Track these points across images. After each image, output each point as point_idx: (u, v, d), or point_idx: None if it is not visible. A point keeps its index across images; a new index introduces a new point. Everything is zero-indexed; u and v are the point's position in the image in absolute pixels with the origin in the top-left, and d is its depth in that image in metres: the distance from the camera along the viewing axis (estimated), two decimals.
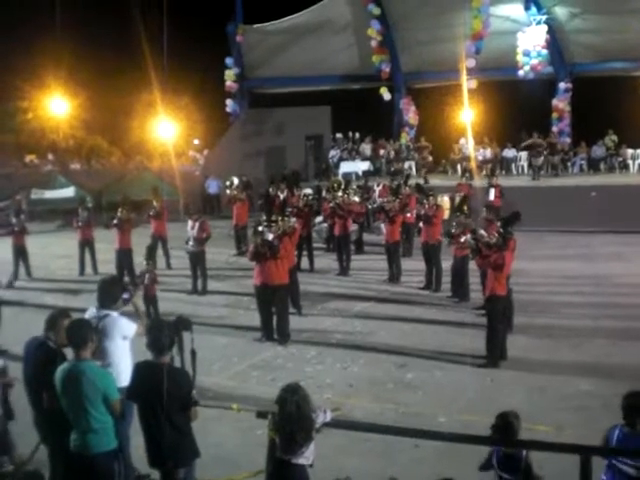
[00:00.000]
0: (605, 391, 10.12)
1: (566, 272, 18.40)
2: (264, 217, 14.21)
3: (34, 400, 6.93)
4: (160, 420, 6.13)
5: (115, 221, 18.15)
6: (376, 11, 34.45)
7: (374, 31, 34.51)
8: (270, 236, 13.18)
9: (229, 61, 37.30)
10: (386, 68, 35.03)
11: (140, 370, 6.40)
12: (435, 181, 28.91)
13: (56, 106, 40.76)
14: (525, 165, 31.91)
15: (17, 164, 39.06)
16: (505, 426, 6.19)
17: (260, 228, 13.38)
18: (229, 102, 37.77)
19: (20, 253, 19.46)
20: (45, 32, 37.21)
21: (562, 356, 11.86)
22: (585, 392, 10.20)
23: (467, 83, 30.65)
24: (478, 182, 27.28)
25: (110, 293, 7.65)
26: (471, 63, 30.15)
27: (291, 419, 5.72)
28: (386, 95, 35.05)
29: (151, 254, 16.89)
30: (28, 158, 40.96)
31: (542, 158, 29.68)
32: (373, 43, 34.74)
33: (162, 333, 6.29)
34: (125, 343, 7.58)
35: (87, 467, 6.28)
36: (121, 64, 39.60)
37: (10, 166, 38.01)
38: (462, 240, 13.88)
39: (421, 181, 26.45)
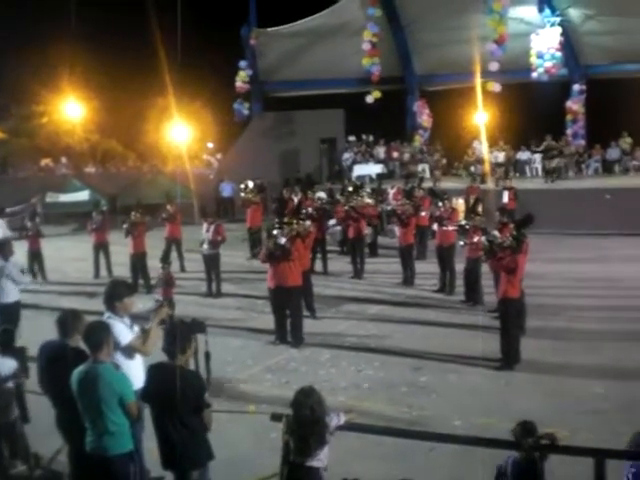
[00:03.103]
0: (619, 394, 10.12)
1: (580, 275, 18.33)
2: (276, 220, 14.27)
3: (60, 403, 6.94)
4: (173, 422, 6.15)
5: (125, 225, 18.22)
6: (378, 13, 34.46)
7: (370, 33, 34.42)
8: (282, 239, 13.23)
9: (242, 64, 37.29)
10: (376, 71, 34.84)
11: (153, 372, 6.43)
12: (448, 184, 28.80)
13: (71, 110, 40.94)
14: (539, 167, 31.88)
15: (32, 168, 39.28)
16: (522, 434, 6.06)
17: (275, 232, 13.43)
18: (237, 102, 37.67)
19: (35, 256, 19.61)
20: (60, 37, 37.31)
21: (576, 359, 11.81)
22: (599, 395, 10.16)
23: (494, 87, 30.49)
24: (491, 185, 27.24)
25: (110, 295, 7.55)
26: (494, 66, 29.98)
27: (305, 422, 5.73)
28: (369, 98, 34.94)
29: (166, 257, 16.99)
30: (43, 162, 41.15)
31: (556, 161, 29.63)
32: (365, 46, 34.59)
33: (174, 337, 6.31)
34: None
35: (103, 469, 6.32)
36: (135, 68, 39.73)
37: (25, 170, 38.25)
38: (475, 240, 13.87)
39: (432, 184, 26.41)
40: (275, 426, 6.33)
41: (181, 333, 6.36)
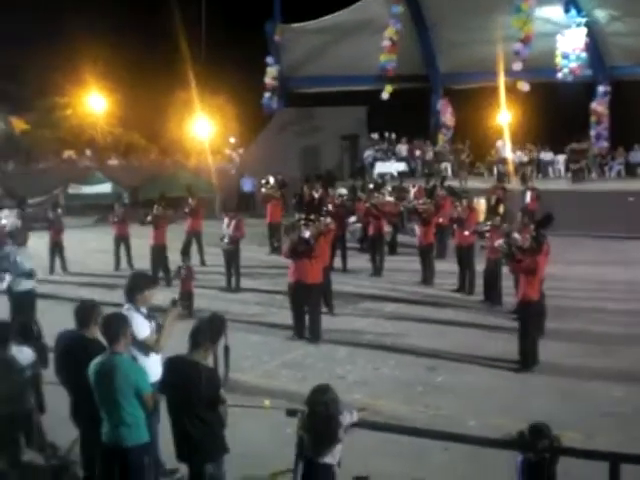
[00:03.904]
0: (637, 398, 10.05)
1: (601, 277, 18.20)
2: (301, 215, 14.22)
3: (75, 393, 6.97)
4: (190, 415, 6.18)
5: (149, 218, 18.29)
6: (401, 11, 34.46)
7: (393, 30, 34.39)
8: (307, 234, 13.23)
9: (270, 60, 37.36)
10: (390, 67, 34.73)
11: (171, 365, 6.46)
12: (473, 183, 28.67)
13: (94, 102, 41.28)
14: (562, 169, 31.73)
15: (55, 159, 39.51)
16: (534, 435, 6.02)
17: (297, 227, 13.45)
18: (265, 95, 37.71)
19: (56, 247, 19.72)
20: (84, 30, 37.52)
21: (594, 362, 11.72)
22: (617, 398, 10.09)
23: (523, 86, 30.40)
24: (514, 185, 27.10)
25: (131, 287, 7.56)
26: (518, 66, 29.93)
27: (319, 420, 5.73)
28: (384, 95, 35.00)
29: (186, 250, 17.04)
30: (66, 154, 41.34)
31: (580, 162, 29.47)
32: (386, 42, 34.56)
33: (199, 330, 6.34)
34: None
35: (118, 459, 6.35)
36: (158, 62, 39.96)
37: (48, 161, 38.48)
38: (496, 245, 13.79)
39: (456, 183, 26.30)
40: (290, 421, 6.34)
41: (215, 328, 6.41)
